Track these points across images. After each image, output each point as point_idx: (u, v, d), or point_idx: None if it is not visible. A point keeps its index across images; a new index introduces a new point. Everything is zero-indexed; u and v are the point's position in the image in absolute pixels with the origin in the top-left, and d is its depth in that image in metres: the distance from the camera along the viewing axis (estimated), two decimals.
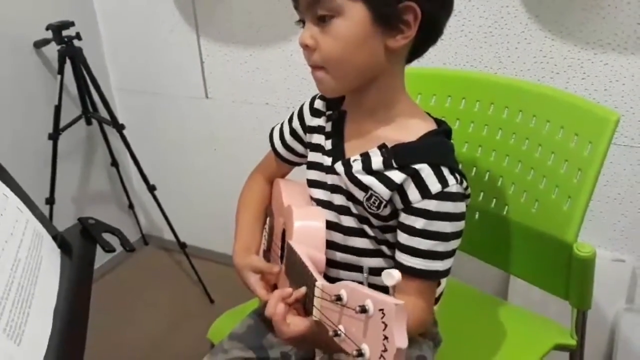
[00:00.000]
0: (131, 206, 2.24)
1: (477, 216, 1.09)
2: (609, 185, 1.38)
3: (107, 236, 0.85)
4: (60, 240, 0.80)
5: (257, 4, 1.66)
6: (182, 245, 1.98)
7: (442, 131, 0.85)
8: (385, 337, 0.50)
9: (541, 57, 1.35)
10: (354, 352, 0.53)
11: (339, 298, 0.58)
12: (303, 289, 0.71)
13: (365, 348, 0.52)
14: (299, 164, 1.03)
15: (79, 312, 0.69)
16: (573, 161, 0.94)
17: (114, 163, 2.08)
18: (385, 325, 0.51)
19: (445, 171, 0.79)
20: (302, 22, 0.81)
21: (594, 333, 1.19)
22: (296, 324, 0.72)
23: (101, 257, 2.10)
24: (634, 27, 1.23)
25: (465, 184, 0.82)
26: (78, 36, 1.72)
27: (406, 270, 0.80)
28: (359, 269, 0.88)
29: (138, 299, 2.05)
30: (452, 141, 0.86)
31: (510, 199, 1.04)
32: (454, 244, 0.81)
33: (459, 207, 0.80)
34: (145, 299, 2.05)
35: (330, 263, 0.88)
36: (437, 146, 0.83)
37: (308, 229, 0.84)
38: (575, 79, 1.33)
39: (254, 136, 1.86)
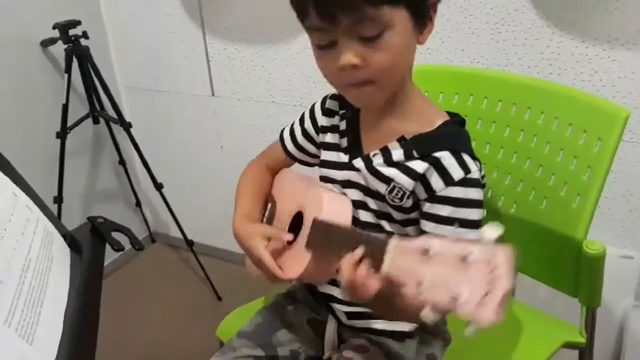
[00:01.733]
0: (138, 204, 2.25)
1: (485, 213, 1.09)
2: (617, 181, 1.37)
3: (116, 235, 0.86)
4: (70, 239, 0.80)
5: (263, 2, 1.66)
6: (190, 243, 1.99)
7: (457, 121, 0.86)
8: (493, 280, 0.51)
9: (549, 54, 1.34)
10: (447, 299, 0.53)
11: (427, 250, 0.57)
12: (360, 250, 0.67)
13: (459, 293, 0.52)
14: (310, 165, 1.03)
15: (89, 311, 0.70)
16: (582, 158, 0.93)
17: (121, 161, 2.09)
18: (493, 270, 0.51)
19: (466, 157, 0.80)
20: (328, 45, 0.75)
21: (603, 330, 1.18)
22: (372, 284, 0.66)
23: (109, 255, 2.08)
24: None
25: (482, 172, 0.83)
26: (85, 35, 1.72)
27: None
28: None
29: (146, 297, 2.06)
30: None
31: (518, 196, 1.03)
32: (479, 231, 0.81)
33: (480, 193, 0.81)
34: (153, 297, 2.06)
35: None
36: (455, 134, 0.84)
37: (338, 209, 0.85)
38: (583, 75, 1.33)
39: (260, 134, 1.86)
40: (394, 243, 0.63)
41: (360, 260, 0.67)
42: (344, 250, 0.71)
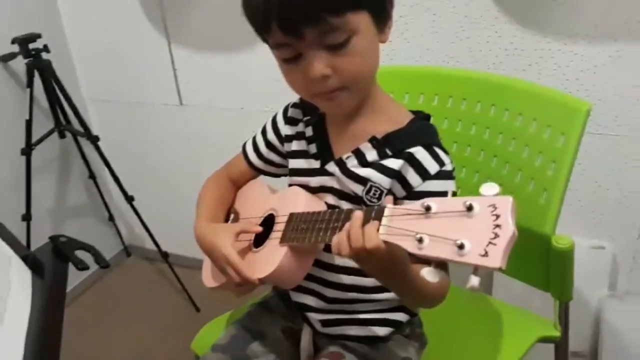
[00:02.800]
0: (111, 218, 2.21)
1: None
2: (585, 173, 1.39)
3: (81, 253, 0.84)
4: (31, 260, 0.77)
5: (226, 9, 1.64)
6: (165, 255, 1.96)
7: (423, 117, 0.86)
8: (497, 226, 0.51)
9: (512, 50, 1.35)
10: (451, 249, 0.53)
11: (428, 208, 0.58)
12: (360, 213, 0.66)
13: (465, 241, 0.52)
14: (276, 175, 1.02)
15: (51, 333, 0.68)
16: (547, 153, 0.94)
17: (91, 175, 2.05)
18: (497, 217, 0.52)
19: (439, 151, 0.80)
20: (293, 57, 0.75)
21: (579, 321, 1.19)
22: (371, 234, 0.63)
23: (83, 272, 2.07)
24: (601, 16, 1.24)
25: (452, 165, 0.83)
26: (46, 48, 1.69)
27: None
28: (357, 271, 0.86)
29: (123, 311, 2.02)
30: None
31: None
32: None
33: (455, 185, 0.81)
34: (130, 311, 2.02)
35: (328, 267, 0.89)
36: (425, 129, 0.84)
37: (315, 205, 0.85)
38: (547, 70, 1.34)
39: (231, 141, 1.83)
40: (390, 208, 0.63)
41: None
42: (329, 230, 0.72)
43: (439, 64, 1.44)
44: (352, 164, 0.83)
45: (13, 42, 1.65)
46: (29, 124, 1.71)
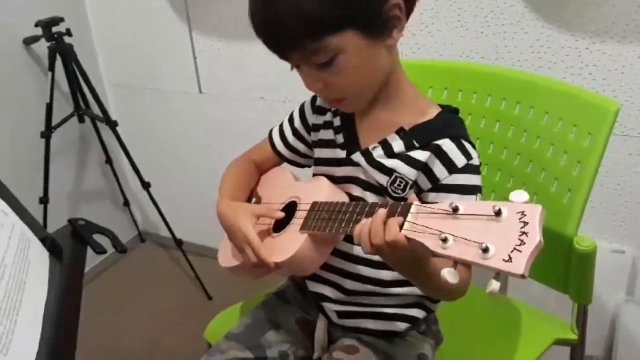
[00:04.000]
0: (127, 203, 2.22)
1: None
2: (608, 175, 1.36)
3: (98, 237, 0.84)
4: (49, 243, 0.78)
5: None
6: (179, 242, 1.97)
7: (451, 110, 0.86)
8: (524, 233, 0.52)
9: (538, 47, 1.33)
10: (475, 252, 0.53)
11: (456, 208, 0.58)
12: (383, 210, 0.66)
13: (490, 245, 0.52)
14: (301, 165, 1.02)
15: (68, 316, 0.68)
16: (572, 153, 0.92)
17: (108, 160, 2.06)
18: (525, 224, 0.52)
19: (466, 144, 0.80)
20: (297, 67, 0.79)
21: (595, 325, 1.18)
22: (392, 228, 0.64)
23: (97, 256, 2.08)
24: (632, 15, 1.21)
25: (480, 159, 0.82)
26: (68, 32, 1.69)
27: None
28: (377, 264, 0.86)
29: (136, 297, 2.03)
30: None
31: (509, 192, 1.01)
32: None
33: (480, 180, 0.80)
34: (143, 297, 2.03)
35: (349, 257, 0.88)
36: (453, 121, 0.84)
37: (340, 196, 0.86)
38: (573, 68, 1.31)
39: (249, 131, 1.83)
40: (416, 205, 0.63)
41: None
42: (352, 222, 0.73)
43: (462, 59, 1.42)
44: (378, 154, 0.83)
45: (36, 25, 1.65)
46: (49, 107, 1.72)
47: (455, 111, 0.86)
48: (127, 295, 2.05)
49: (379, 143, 0.83)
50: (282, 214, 0.87)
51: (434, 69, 1.13)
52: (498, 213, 0.54)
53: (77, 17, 1.90)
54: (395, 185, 0.81)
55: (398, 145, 0.81)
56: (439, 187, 0.79)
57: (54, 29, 1.67)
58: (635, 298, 1.44)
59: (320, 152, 0.93)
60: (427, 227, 0.59)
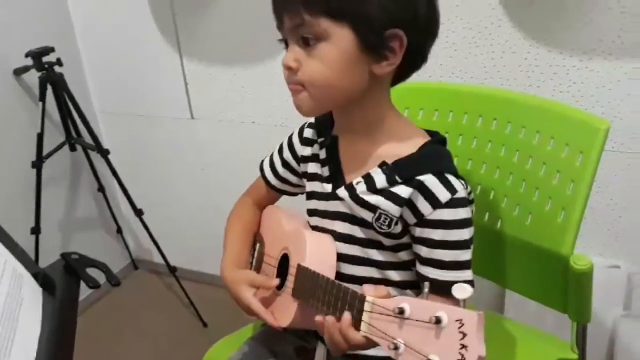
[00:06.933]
0: (119, 231, 2.20)
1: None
2: (600, 191, 1.37)
3: (92, 270, 0.83)
4: (42, 278, 0.76)
5: (239, 23, 1.65)
6: (172, 269, 1.95)
7: (438, 140, 0.85)
8: (463, 346, 0.52)
9: (527, 66, 1.34)
10: None
11: (401, 311, 0.58)
12: (348, 315, 0.69)
13: (435, 358, 0.53)
14: (294, 194, 1.02)
15: (62, 353, 0.66)
16: (565, 172, 0.92)
17: (100, 188, 2.05)
18: (464, 335, 0.52)
19: (451, 178, 0.79)
20: (284, 41, 0.79)
21: (593, 341, 1.16)
22: (353, 340, 0.69)
23: None
24: (617, 32, 1.23)
25: (469, 188, 0.82)
26: (59, 62, 1.69)
27: (433, 283, 0.79)
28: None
29: (130, 326, 2.01)
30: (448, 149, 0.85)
31: (503, 212, 1.02)
32: (472, 250, 0.81)
33: (469, 212, 0.80)
34: (137, 325, 2.01)
35: None
36: (437, 155, 0.83)
37: (321, 253, 0.84)
38: (562, 86, 1.33)
39: (241, 155, 1.84)
40: (370, 301, 0.65)
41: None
42: (325, 304, 0.74)
43: (452, 79, 1.43)
44: (362, 189, 0.82)
45: (27, 55, 1.65)
46: (40, 137, 1.72)
47: (443, 140, 0.85)
48: (121, 324, 2.02)
49: (363, 177, 0.82)
50: (277, 282, 0.87)
51: (424, 91, 1.14)
52: (438, 321, 0.54)
53: (68, 46, 1.91)
54: (380, 221, 0.80)
55: (380, 180, 0.80)
56: (424, 222, 0.78)
57: (45, 59, 1.67)
58: (632, 313, 1.44)
59: (310, 186, 0.93)
60: (380, 330, 0.61)
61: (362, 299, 0.66)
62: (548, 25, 1.29)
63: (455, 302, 0.55)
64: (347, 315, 0.69)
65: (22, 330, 0.63)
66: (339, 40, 0.73)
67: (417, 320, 0.57)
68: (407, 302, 0.58)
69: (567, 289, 0.93)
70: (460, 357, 0.51)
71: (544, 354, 1.02)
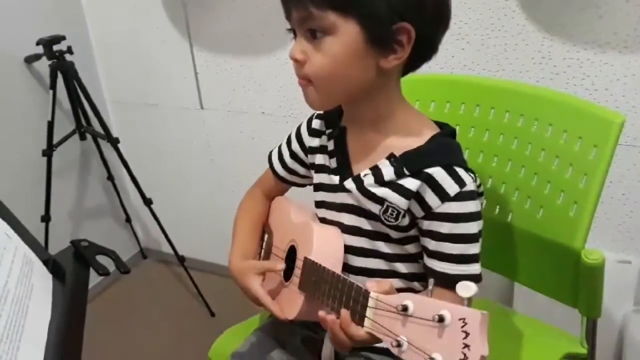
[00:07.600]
0: (128, 220, 2.21)
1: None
2: (612, 185, 1.36)
3: (101, 257, 0.83)
4: (52, 265, 0.77)
5: (249, 13, 1.64)
6: (181, 259, 1.96)
7: (447, 133, 0.84)
8: (466, 346, 0.51)
9: (540, 58, 1.33)
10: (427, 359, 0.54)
11: (405, 308, 0.58)
12: (346, 314, 0.69)
13: (437, 356, 0.53)
14: (302, 185, 1.01)
15: (72, 340, 0.67)
16: (578, 165, 0.91)
17: (110, 177, 2.05)
18: (467, 334, 0.52)
19: (460, 171, 0.78)
20: (293, 31, 0.79)
21: (603, 336, 1.16)
22: (356, 336, 0.69)
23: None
24: (633, 26, 1.21)
25: (478, 181, 0.81)
26: (70, 50, 1.70)
27: (439, 277, 0.79)
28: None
29: (138, 315, 2.02)
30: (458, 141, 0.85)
31: (514, 206, 1.01)
32: (480, 244, 0.80)
33: (478, 205, 0.79)
34: (145, 315, 2.02)
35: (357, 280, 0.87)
36: (446, 147, 0.82)
37: (328, 246, 0.84)
38: (575, 79, 1.31)
39: (250, 146, 1.84)
40: (374, 297, 0.64)
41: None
42: (330, 297, 0.73)
43: (464, 71, 1.42)
44: (369, 182, 0.81)
45: (38, 43, 1.66)
46: (50, 125, 1.72)
47: (453, 132, 0.84)
48: (129, 313, 2.03)
49: (370, 169, 0.82)
50: (283, 266, 0.87)
51: (436, 83, 1.13)
52: (441, 319, 0.54)
53: (78, 35, 1.91)
54: (388, 214, 0.80)
55: (388, 172, 0.79)
56: (432, 215, 0.78)
57: (55, 47, 1.67)
58: None
59: (318, 177, 0.92)
60: (383, 327, 0.61)
61: (366, 294, 0.66)
62: (562, 18, 1.27)
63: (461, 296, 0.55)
64: (344, 313, 0.69)
65: (33, 315, 0.64)
66: (345, 35, 0.73)
67: (420, 318, 0.56)
68: (411, 300, 0.58)
69: (578, 284, 0.93)
70: (462, 356, 0.51)
71: (553, 349, 1.01)
